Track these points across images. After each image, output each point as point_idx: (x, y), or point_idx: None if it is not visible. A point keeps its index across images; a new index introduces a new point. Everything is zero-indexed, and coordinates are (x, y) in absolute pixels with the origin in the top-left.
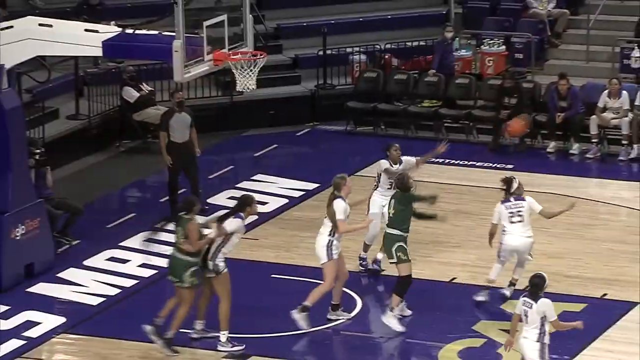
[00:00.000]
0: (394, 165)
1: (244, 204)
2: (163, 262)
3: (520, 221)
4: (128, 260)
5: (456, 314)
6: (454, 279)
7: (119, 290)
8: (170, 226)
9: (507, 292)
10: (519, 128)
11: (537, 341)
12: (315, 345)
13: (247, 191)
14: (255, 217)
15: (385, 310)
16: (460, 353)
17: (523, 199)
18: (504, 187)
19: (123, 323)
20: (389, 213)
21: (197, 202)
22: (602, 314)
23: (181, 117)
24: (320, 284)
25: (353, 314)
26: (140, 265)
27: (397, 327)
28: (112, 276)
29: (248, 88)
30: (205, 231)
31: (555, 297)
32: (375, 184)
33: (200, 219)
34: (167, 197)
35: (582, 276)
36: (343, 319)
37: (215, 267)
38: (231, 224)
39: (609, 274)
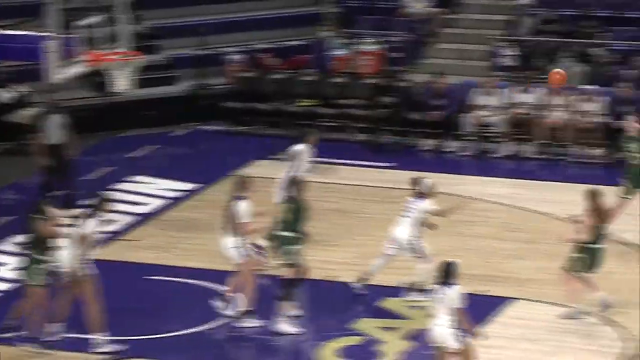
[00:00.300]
0: None
1: (101, 204)
2: None
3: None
4: (4, 264)
5: (336, 313)
6: (334, 277)
7: None
8: None
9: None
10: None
11: (450, 327)
12: (187, 346)
13: (124, 192)
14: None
15: (276, 317)
16: (339, 351)
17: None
18: (413, 186)
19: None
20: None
21: (49, 204)
22: (482, 310)
23: (55, 118)
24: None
25: (233, 314)
26: (15, 269)
27: (290, 329)
28: None
29: (124, 89)
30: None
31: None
32: None
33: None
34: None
35: (463, 273)
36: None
37: (80, 269)
38: (89, 225)
39: (489, 270)
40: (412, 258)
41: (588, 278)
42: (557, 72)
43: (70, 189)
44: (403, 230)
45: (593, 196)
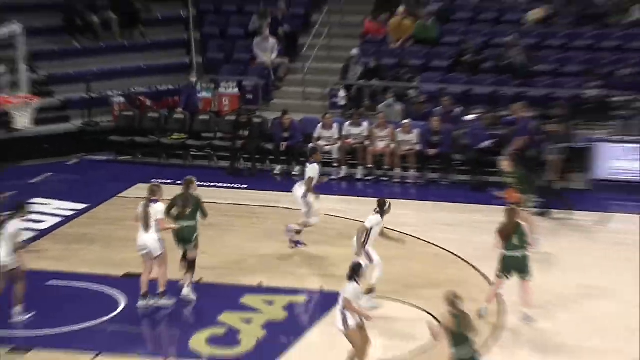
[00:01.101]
0: None
1: (18, 209)
2: None
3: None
4: None
5: (203, 308)
6: (200, 279)
7: None
8: None
9: None
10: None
11: (340, 312)
12: (88, 338)
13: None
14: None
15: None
16: (208, 339)
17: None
18: (378, 208)
19: None
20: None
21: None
22: (320, 304)
23: None
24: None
25: (117, 311)
26: None
27: (192, 296)
28: None
29: (24, 126)
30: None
31: (285, 291)
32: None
33: None
34: None
35: (302, 273)
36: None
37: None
38: (11, 226)
39: (325, 271)
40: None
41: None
42: None
43: None
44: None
45: (511, 212)
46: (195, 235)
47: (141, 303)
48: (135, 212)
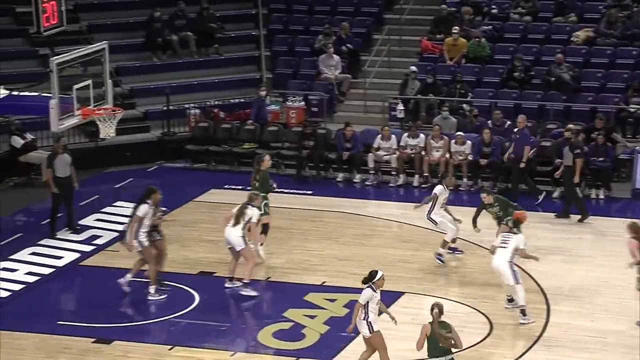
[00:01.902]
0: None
1: (149, 193)
2: (44, 270)
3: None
4: (17, 270)
5: (270, 304)
6: (269, 277)
7: (9, 293)
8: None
9: None
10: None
11: (363, 319)
12: (165, 331)
13: (110, 215)
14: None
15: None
16: (274, 333)
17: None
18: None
19: (14, 318)
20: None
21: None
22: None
23: (64, 157)
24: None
25: (192, 307)
26: (26, 273)
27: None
28: (4, 282)
29: (109, 135)
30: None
31: (346, 290)
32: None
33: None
34: (48, 220)
35: (363, 273)
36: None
37: (140, 243)
38: (141, 210)
39: (384, 272)
40: None
41: None
42: None
43: (70, 211)
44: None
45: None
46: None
47: (227, 285)
48: (230, 212)
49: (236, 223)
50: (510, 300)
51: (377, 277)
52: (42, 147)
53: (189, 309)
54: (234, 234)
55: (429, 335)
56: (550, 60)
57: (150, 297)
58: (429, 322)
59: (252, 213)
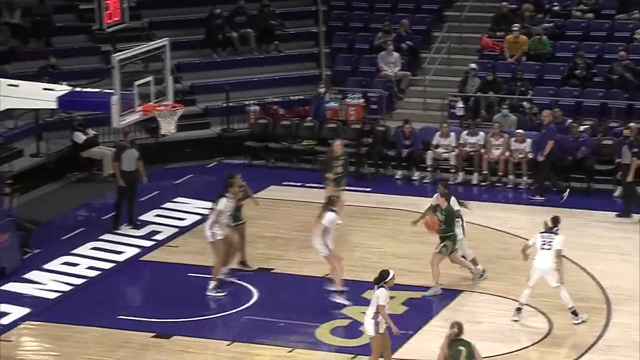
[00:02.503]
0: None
1: (228, 186)
2: (105, 265)
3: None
4: (78, 264)
5: (327, 301)
6: (326, 275)
7: (71, 287)
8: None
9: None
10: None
11: (372, 318)
12: (223, 327)
13: (169, 210)
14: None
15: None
16: (332, 330)
17: (555, 234)
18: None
19: (75, 312)
20: None
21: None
22: (437, 299)
23: (131, 152)
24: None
25: (251, 302)
26: (87, 268)
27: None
28: (66, 276)
29: (169, 132)
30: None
31: (402, 287)
32: None
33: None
34: (112, 214)
35: (421, 271)
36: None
37: (213, 235)
38: (220, 203)
39: (442, 269)
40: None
41: None
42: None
43: (132, 206)
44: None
45: None
46: None
47: (328, 287)
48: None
49: (318, 230)
50: (575, 314)
51: (389, 276)
52: (104, 143)
53: (248, 305)
54: (317, 240)
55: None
56: (613, 58)
57: (208, 293)
58: (446, 340)
59: (329, 217)
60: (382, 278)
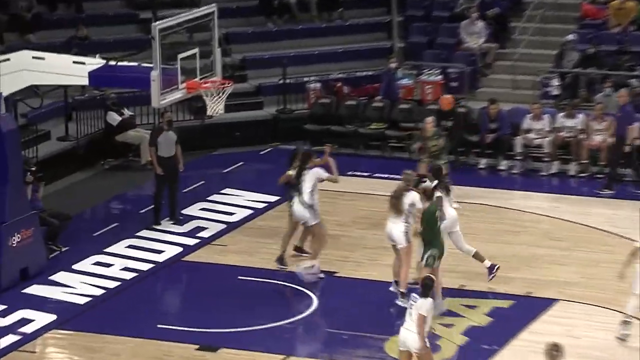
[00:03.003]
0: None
1: (306, 159)
2: (142, 266)
3: None
4: (112, 265)
5: (399, 309)
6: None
7: (103, 291)
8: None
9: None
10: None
11: (418, 332)
12: (277, 338)
13: (216, 203)
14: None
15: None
16: None
17: None
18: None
19: (107, 320)
20: None
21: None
22: (527, 310)
23: (169, 135)
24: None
25: (310, 311)
26: (122, 269)
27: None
28: (98, 278)
29: (217, 112)
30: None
31: (484, 295)
32: None
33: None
34: (151, 207)
35: (507, 276)
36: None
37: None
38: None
39: (532, 274)
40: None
41: None
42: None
43: (174, 197)
44: None
45: None
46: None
47: (392, 289)
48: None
49: (397, 214)
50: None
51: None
52: (141, 125)
53: (307, 313)
54: (397, 228)
55: None
56: None
57: (297, 269)
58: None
59: (414, 198)
60: (426, 288)
